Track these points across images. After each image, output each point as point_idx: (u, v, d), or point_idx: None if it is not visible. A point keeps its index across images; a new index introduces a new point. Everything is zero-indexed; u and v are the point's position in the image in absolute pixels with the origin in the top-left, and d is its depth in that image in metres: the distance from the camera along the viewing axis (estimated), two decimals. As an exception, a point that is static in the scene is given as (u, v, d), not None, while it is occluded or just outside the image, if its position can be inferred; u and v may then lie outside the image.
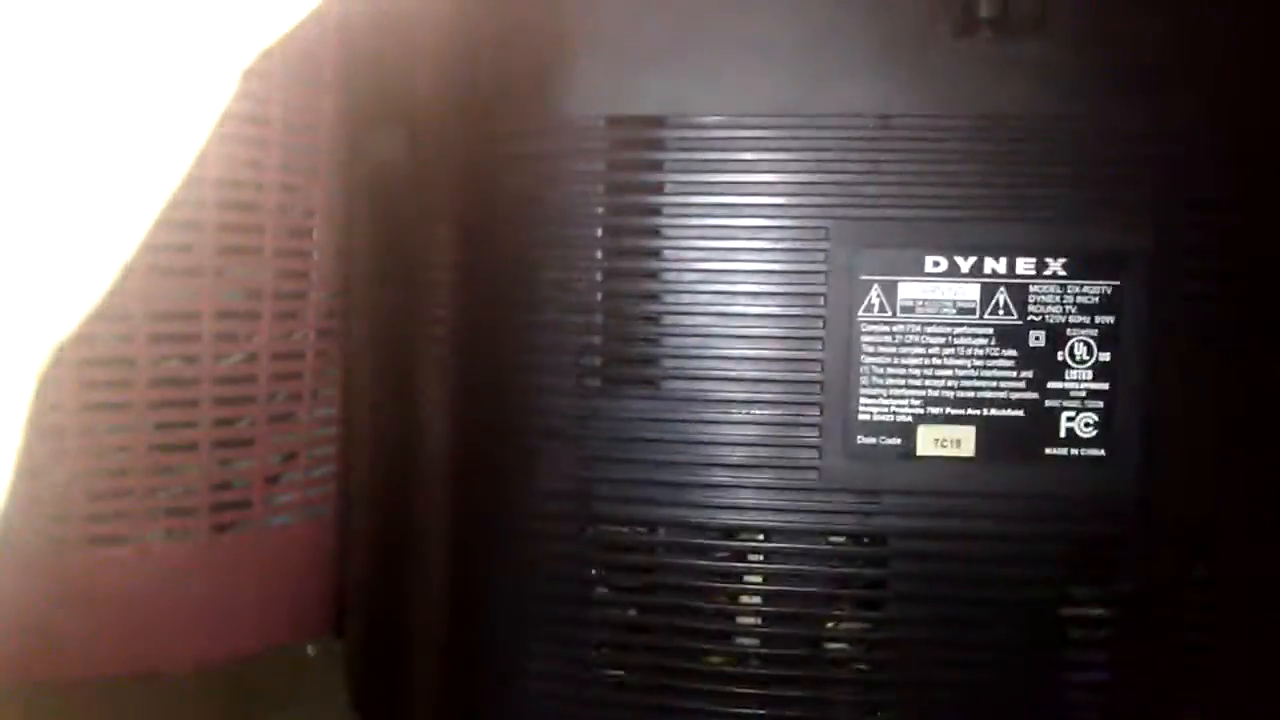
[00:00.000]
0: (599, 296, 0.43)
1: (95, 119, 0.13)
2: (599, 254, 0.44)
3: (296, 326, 0.91)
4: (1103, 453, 0.43)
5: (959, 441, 0.43)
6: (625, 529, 0.44)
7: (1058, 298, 0.42)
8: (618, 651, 0.44)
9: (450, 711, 0.50)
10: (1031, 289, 0.42)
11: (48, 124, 0.13)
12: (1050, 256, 0.42)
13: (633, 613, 0.45)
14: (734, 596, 0.44)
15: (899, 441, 0.43)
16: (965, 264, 0.42)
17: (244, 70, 0.15)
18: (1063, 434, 0.43)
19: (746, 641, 0.44)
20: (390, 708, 0.69)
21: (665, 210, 0.43)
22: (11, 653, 0.78)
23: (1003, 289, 0.42)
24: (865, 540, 0.44)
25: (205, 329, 0.84)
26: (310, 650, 0.89)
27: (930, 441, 0.43)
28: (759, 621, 0.44)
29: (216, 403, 0.86)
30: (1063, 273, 0.42)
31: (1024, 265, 0.42)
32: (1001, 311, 0.43)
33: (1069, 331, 0.42)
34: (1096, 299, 0.42)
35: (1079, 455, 0.43)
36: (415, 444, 0.56)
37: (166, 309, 0.84)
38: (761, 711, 0.43)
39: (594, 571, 0.44)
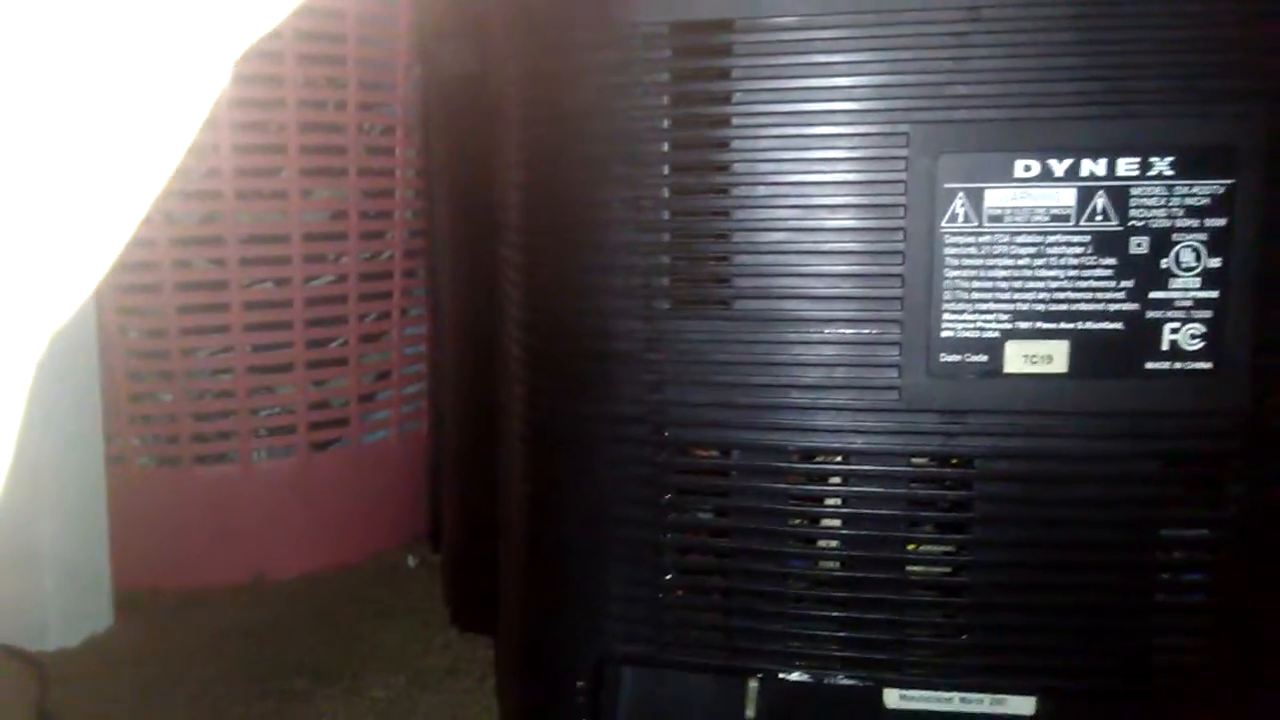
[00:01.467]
0: (666, 214, 0.42)
1: (176, 45, 0.12)
2: (666, 170, 0.42)
3: (383, 246, 0.92)
4: (1209, 366, 0.40)
5: (1050, 357, 0.40)
6: (698, 453, 0.43)
7: (1163, 200, 0.39)
8: (693, 575, 0.44)
9: (533, 624, 0.50)
10: (1134, 191, 0.39)
11: (132, 54, 0.12)
12: (1156, 155, 0.39)
13: (708, 538, 0.44)
14: (812, 520, 0.43)
15: (985, 358, 0.40)
16: (1060, 167, 0.39)
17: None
18: (1165, 347, 0.40)
19: (825, 565, 0.43)
20: (483, 619, 0.71)
21: (734, 121, 0.41)
22: (135, 565, 0.83)
23: (1102, 193, 0.39)
24: (949, 462, 0.42)
25: (294, 251, 0.85)
26: (410, 562, 0.92)
27: (1019, 358, 0.40)
28: (838, 545, 0.43)
29: (309, 324, 0.88)
30: (1169, 172, 0.39)
31: (1126, 166, 0.39)
32: (1100, 217, 0.39)
33: (1175, 236, 0.39)
34: (1207, 200, 0.39)
35: (1183, 369, 0.40)
36: (496, 365, 0.55)
37: (256, 232, 0.85)
38: (841, 634, 0.43)
39: (667, 496, 0.43)
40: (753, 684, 0.45)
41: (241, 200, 0.83)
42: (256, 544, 0.88)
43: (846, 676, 0.43)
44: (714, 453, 0.43)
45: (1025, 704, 0.44)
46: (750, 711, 0.45)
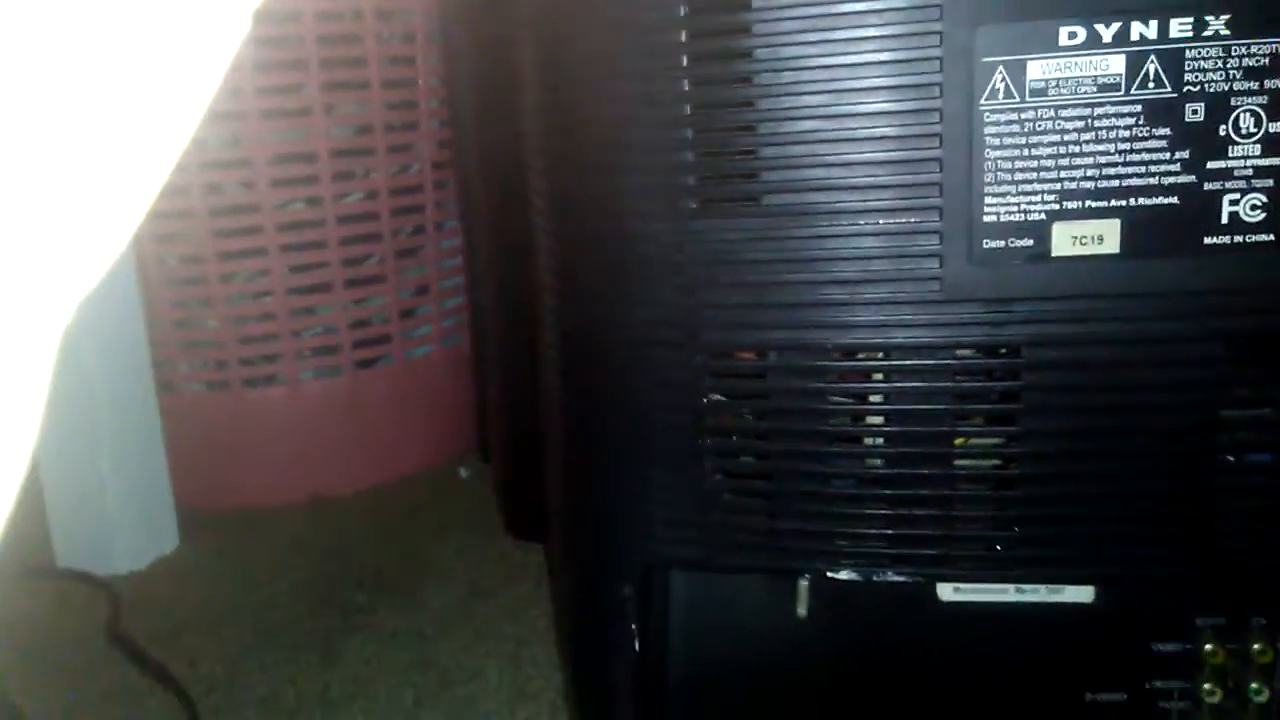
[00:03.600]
0: (687, 109, 0.40)
1: None
2: (684, 60, 0.40)
3: (411, 159, 0.90)
4: (1272, 238, 0.37)
5: (1101, 237, 0.38)
6: (734, 355, 0.42)
7: (1219, 62, 0.36)
8: (736, 479, 0.43)
9: (579, 533, 0.51)
10: (1188, 54, 0.36)
11: None
12: (1210, 14, 0.36)
13: (749, 440, 0.43)
14: (855, 418, 0.42)
15: (1031, 242, 0.38)
16: (1107, 32, 0.37)
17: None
18: (1225, 219, 0.37)
19: (872, 463, 0.42)
20: (536, 527, 0.71)
21: (754, 3, 0.38)
22: (195, 489, 0.85)
23: (1153, 57, 0.37)
24: (996, 352, 0.40)
25: (322, 169, 0.84)
26: (463, 473, 0.93)
27: (1067, 239, 0.38)
28: (882, 442, 0.42)
29: (343, 242, 0.87)
30: (1225, 31, 0.36)
31: (1179, 27, 0.36)
32: (1152, 84, 0.37)
33: (1234, 101, 0.36)
34: (1266, 60, 0.36)
35: (1244, 242, 0.37)
36: (530, 275, 0.54)
37: (283, 152, 0.84)
38: (888, 532, 0.42)
39: (705, 400, 0.42)
40: (803, 583, 0.44)
41: (266, 120, 0.81)
42: (310, 463, 0.89)
43: (896, 573, 0.43)
44: (751, 355, 0.42)
45: (1083, 593, 0.43)
46: (802, 610, 0.45)
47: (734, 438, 0.43)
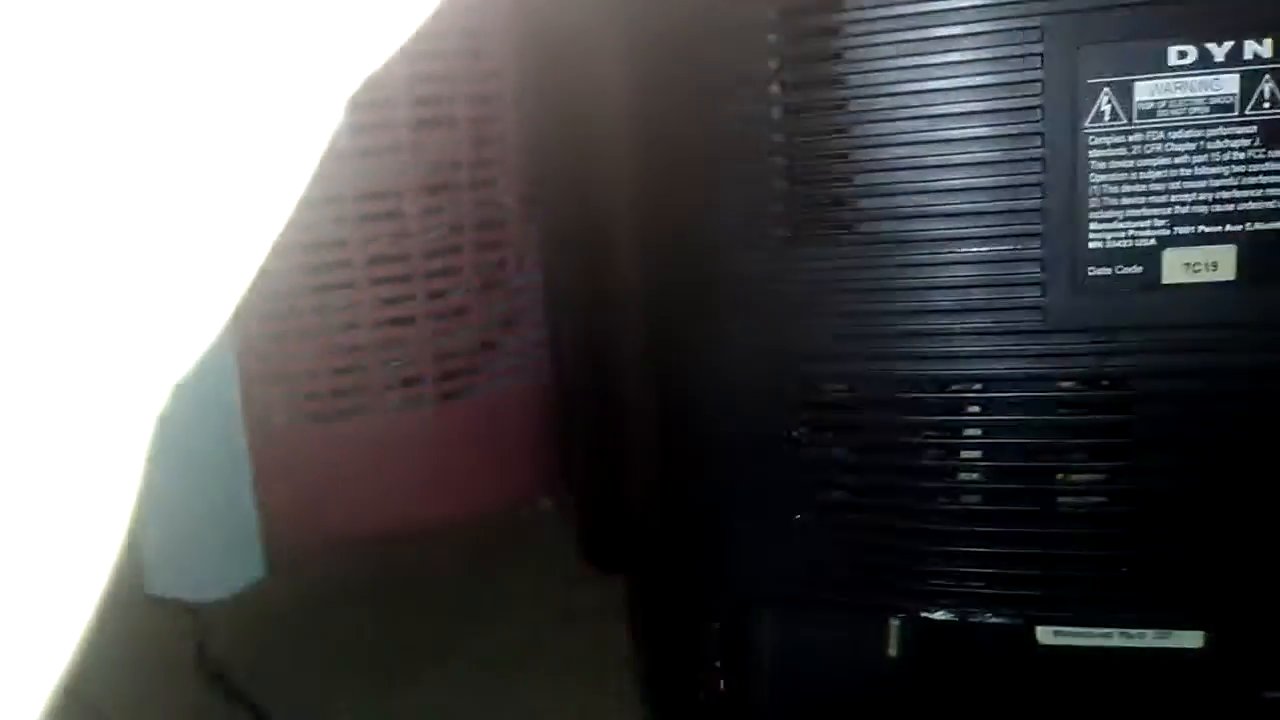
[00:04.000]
0: (779, 137, 0.39)
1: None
2: (774, 87, 0.39)
3: (496, 194, 0.91)
4: (1403, 264, 0.35)
5: (1215, 264, 0.36)
6: (829, 386, 0.41)
7: (1343, 79, 0.35)
8: (828, 513, 0.42)
9: (669, 564, 0.50)
10: (1308, 72, 0.35)
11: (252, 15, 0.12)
12: (1332, 29, 0.34)
13: (843, 474, 0.42)
14: (952, 452, 0.41)
15: (1140, 269, 0.37)
16: (1220, 51, 0.35)
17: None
18: (1350, 245, 0.36)
19: (969, 500, 0.41)
20: (618, 558, 0.71)
21: (848, 28, 0.38)
22: (286, 518, 0.86)
23: (1269, 76, 0.35)
24: (1102, 384, 0.39)
25: (408, 204, 0.86)
26: (545, 504, 0.93)
27: (1179, 267, 0.37)
28: (982, 478, 0.40)
29: (428, 276, 0.88)
30: (1349, 47, 0.34)
31: (1297, 44, 0.35)
32: (1267, 104, 0.35)
33: (1358, 120, 0.35)
34: (1396, 75, 0.34)
35: (1371, 269, 0.36)
36: (618, 306, 0.54)
37: (372, 188, 0.86)
38: (986, 570, 0.40)
39: (796, 432, 0.42)
40: (894, 623, 0.43)
41: (355, 157, 0.83)
42: (394, 493, 0.90)
43: (994, 615, 0.41)
44: (845, 386, 0.41)
45: (1193, 638, 0.41)
46: (893, 650, 0.43)
47: (827, 472, 0.42)
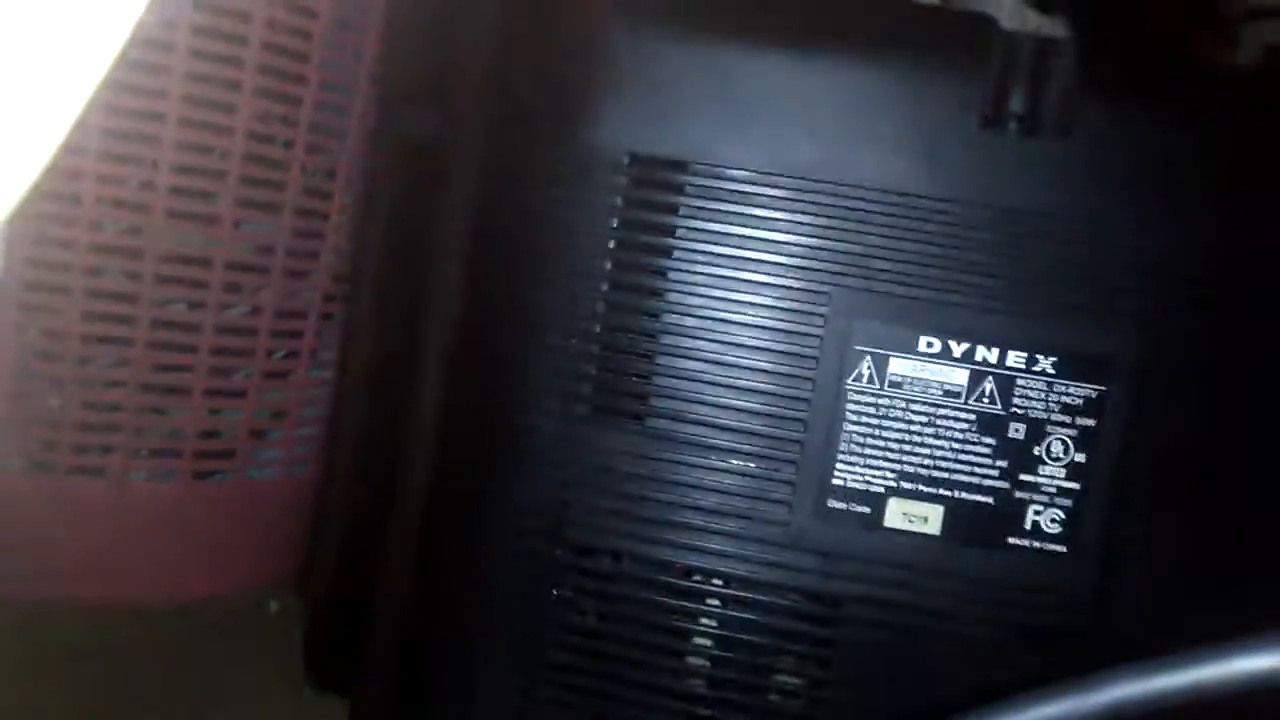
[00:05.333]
0: (598, 328, 0.44)
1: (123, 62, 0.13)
2: (604, 285, 0.44)
3: (305, 286, 0.92)
4: (1064, 550, 0.44)
5: (926, 518, 0.44)
6: (592, 556, 0.45)
7: (1043, 394, 0.43)
8: (569, 673, 0.45)
9: (397, 699, 0.51)
10: (1019, 382, 0.43)
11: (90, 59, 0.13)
12: (1041, 353, 0.43)
13: (588, 639, 0.46)
14: (687, 635, 0.45)
15: (868, 510, 0.44)
16: (958, 348, 0.43)
17: (286, 27, 0.15)
18: (1028, 526, 0.44)
19: (694, 682, 0.45)
20: (341, 677, 0.70)
21: (675, 254, 0.44)
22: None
23: (990, 378, 0.43)
24: (821, 600, 0.45)
25: (215, 278, 0.85)
26: (273, 606, 0.90)
27: (899, 514, 0.44)
28: (707, 664, 0.45)
29: (215, 352, 0.87)
30: (1051, 371, 0.43)
31: (1015, 358, 0.43)
32: (986, 400, 0.43)
33: (1049, 429, 0.43)
34: (1080, 401, 0.43)
35: (1040, 549, 0.44)
36: (407, 431, 0.56)
37: (179, 253, 0.84)
38: (698, 751, 0.44)
39: (555, 592, 0.45)
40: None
41: (172, 219, 0.82)
42: (123, 565, 0.86)
43: (698, 793, 0.45)
44: (606, 558, 0.45)
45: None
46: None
47: (573, 634, 0.46)
